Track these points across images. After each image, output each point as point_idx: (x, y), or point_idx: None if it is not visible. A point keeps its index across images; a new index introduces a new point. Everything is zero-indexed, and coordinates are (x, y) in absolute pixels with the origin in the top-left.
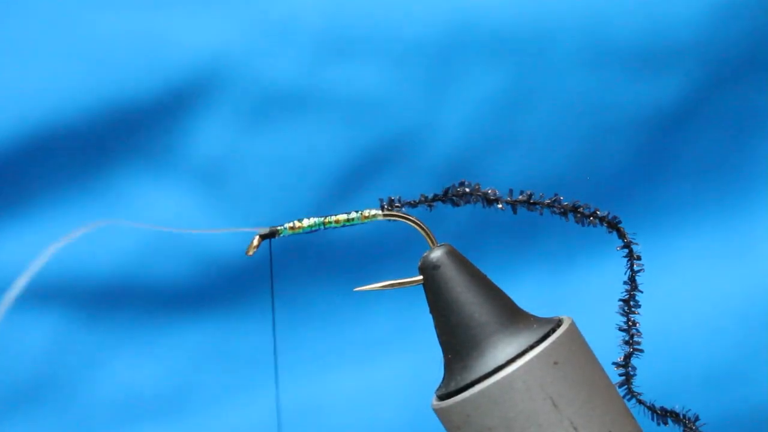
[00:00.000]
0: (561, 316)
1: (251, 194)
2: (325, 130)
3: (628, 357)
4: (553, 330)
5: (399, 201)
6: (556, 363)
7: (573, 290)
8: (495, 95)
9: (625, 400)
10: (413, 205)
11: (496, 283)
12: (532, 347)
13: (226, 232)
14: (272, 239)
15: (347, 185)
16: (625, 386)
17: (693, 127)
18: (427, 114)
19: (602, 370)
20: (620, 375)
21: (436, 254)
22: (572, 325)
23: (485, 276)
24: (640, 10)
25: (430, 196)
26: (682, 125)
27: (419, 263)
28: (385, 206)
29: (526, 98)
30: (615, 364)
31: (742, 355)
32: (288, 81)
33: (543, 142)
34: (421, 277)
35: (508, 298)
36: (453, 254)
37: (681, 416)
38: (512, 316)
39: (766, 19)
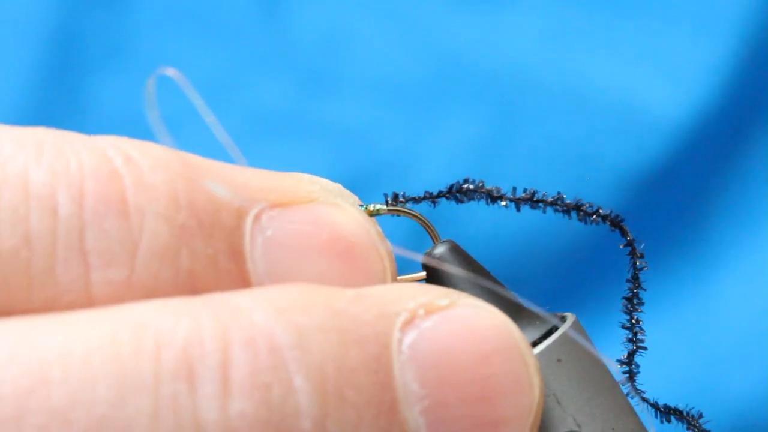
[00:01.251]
0: (564, 313)
1: None
2: (306, 159)
3: (631, 354)
4: (556, 327)
5: (403, 196)
6: (559, 360)
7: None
8: (476, 138)
9: (628, 398)
10: (417, 201)
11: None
12: (535, 344)
13: None
14: None
15: None
16: (629, 384)
17: (667, 191)
18: (408, 151)
19: (605, 367)
20: (624, 373)
21: (439, 250)
22: (575, 322)
23: (488, 272)
24: (621, 71)
25: (435, 192)
26: (659, 187)
27: (422, 259)
28: (390, 201)
29: (507, 144)
30: (618, 361)
31: None
32: (273, 109)
33: (521, 189)
34: (424, 273)
35: (512, 295)
36: (456, 250)
37: (684, 414)
38: (515, 312)
39: (740, 94)
